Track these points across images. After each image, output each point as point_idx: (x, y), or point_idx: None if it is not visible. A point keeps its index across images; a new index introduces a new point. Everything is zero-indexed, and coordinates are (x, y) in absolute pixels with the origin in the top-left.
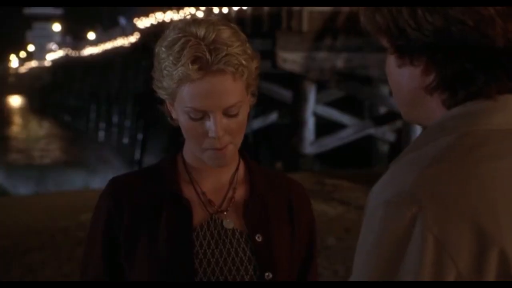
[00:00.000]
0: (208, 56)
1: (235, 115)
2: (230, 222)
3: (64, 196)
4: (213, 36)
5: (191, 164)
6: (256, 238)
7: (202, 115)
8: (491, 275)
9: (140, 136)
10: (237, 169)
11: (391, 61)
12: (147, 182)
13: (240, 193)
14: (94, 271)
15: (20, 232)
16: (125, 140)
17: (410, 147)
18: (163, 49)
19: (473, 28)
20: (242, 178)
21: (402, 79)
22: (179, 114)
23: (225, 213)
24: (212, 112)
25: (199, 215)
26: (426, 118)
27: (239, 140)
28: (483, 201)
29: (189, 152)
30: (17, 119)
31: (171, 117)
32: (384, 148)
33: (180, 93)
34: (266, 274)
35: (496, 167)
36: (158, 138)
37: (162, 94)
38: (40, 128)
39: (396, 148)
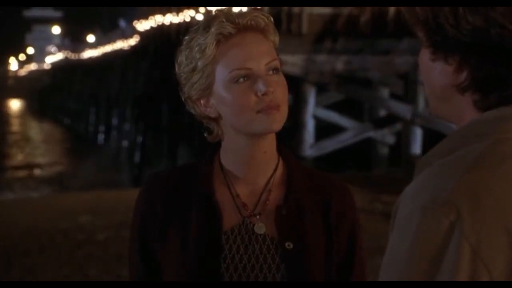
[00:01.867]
0: (236, 18)
1: (277, 72)
2: (261, 227)
3: (64, 198)
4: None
5: (229, 166)
6: (286, 245)
7: (247, 77)
8: None
9: (139, 139)
10: (275, 170)
11: (425, 54)
12: (182, 181)
13: (275, 196)
14: (134, 270)
15: (20, 233)
16: (125, 143)
17: (441, 149)
18: (186, 38)
19: (511, 32)
20: (280, 179)
21: (434, 73)
22: (222, 94)
23: (257, 217)
24: (256, 69)
25: (231, 218)
26: (455, 116)
27: (286, 104)
28: None
29: (227, 152)
30: (16, 122)
31: (209, 118)
32: (384, 151)
33: (218, 68)
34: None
35: None
36: (158, 141)
37: (193, 94)
38: (40, 133)
39: (396, 151)
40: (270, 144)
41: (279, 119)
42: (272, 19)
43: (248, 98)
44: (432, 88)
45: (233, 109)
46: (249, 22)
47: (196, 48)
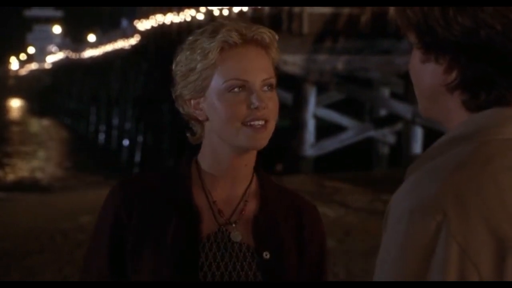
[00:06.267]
0: (243, 30)
1: (272, 89)
2: (238, 235)
3: (64, 198)
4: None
5: (207, 171)
6: (264, 255)
7: (242, 89)
8: (510, 280)
9: (140, 139)
10: (250, 182)
11: (416, 56)
12: (158, 185)
13: (251, 207)
14: (97, 274)
15: (20, 234)
16: (126, 143)
17: (430, 153)
18: (189, 39)
19: (500, 32)
20: (254, 192)
21: (425, 74)
22: (214, 100)
23: (233, 225)
24: (252, 83)
25: (207, 225)
26: (444, 116)
27: (274, 120)
28: (502, 209)
29: (206, 156)
30: (16, 122)
31: (196, 119)
32: (385, 150)
33: (216, 73)
34: None
35: (510, 178)
36: (158, 140)
37: (186, 94)
38: (40, 133)
39: (397, 151)
40: (252, 157)
41: (265, 136)
42: (277, 37)
43: (239, 109)
44: (422, 89)
45: (222, 117)
46: (255, 36)
47: (199, 51)
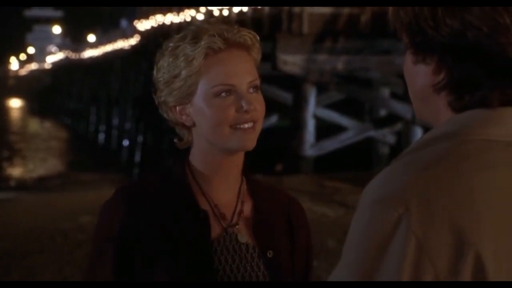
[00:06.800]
0: (225, 33)
1: (257, 90)
2: (244, 236)
3: (64, 198)
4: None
5: (201, 173)
6: (268, 254)
7: (229, 93)
8: (466, 278)
9: (140, 139)
10: (242, 181)
11: (409, 57)
12: (160, 191)
13: (246, 207)
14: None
15: (20, 234)
16: (126, 143)
17: (410, 148)
18: (170, 45)
19: (487, 34)
20: (246, 192)
21: (416, 75)
22: (201, 106)
23: (237, 227)
24: (239, 86)
25: (214, 228)
26: (433, 117)
27: (261, 121)
28: (469, 209)
29: (198, 161)
30: (16, 122)
31: (182, 125)
32: (385, 150)
33: (202, 80)
34: None
35: (487, 177)
36: (158, 140)
37: (170, 101)
38: (40, 133)
39: (397, 151)
40: (241, 158)
41: (254, 137)
42: (258, 38)
43: (228, 113)
44: (414, 90)
45: (210, 122)
46: (237, 39)
47: (182, 57)
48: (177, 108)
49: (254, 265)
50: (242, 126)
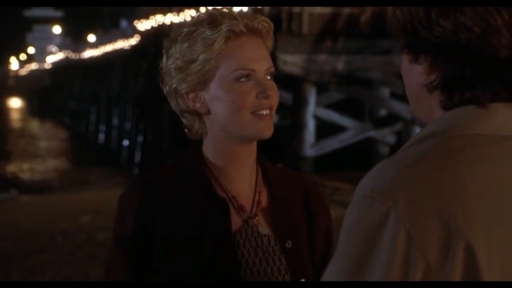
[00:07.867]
0: (245, 19)
1: (272, 78)
2: (264, 227)
3: (64, 198)
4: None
5: (216, 164)
6: (287, 244)
7: (248, 78)
8: (458, 269)
9: (140, 139)
10: (257, 172)
11: (405, 57)
12: (176, 184)
13: (263, 197)
14: (121, 275)
15: (20, 234)
16: (126, 143)
17: (403, 147)
18: (184, 30)
19: (479, 35)
20: (262, 181)
21: (412, 75)
22: (219, 92)
23: (256, 218)
24: (258, 72)
25: (234, 221)
26: (427, 116)
27: (275, 111)
28: (457, 201)
29: (213, 150)
30: (16, 122)
31: (194, 113)
32: (385, 150)
33: (221, 64)
34: (302, 280)
35: (477, 169)
36: (158, 140)
37: (183, 87)
38: (40, 133)
39: (397, 151)
40: (255, 148)
41: (272, 124)
42: (272, 26)
43: (247, 98)
44: (410, 90)
45: (229, 108)
46: (256, 25)
47: (201, 42)
48: (190, 95)
49: (276, 258)
50: (261, 112)
